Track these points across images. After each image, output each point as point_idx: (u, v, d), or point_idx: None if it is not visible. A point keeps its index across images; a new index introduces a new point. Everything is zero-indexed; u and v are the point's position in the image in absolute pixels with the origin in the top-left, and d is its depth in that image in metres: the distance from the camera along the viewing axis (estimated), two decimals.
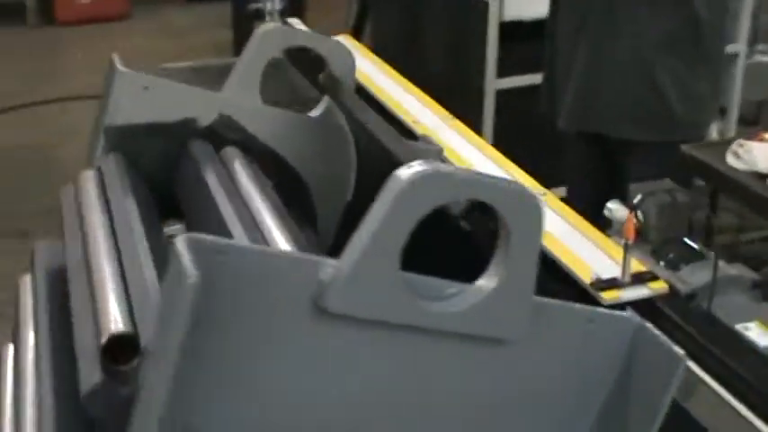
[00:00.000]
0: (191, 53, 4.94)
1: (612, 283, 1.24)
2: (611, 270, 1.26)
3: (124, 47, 5.56)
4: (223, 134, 1.03)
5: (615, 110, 2.48)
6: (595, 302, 1.24)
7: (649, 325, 0.72)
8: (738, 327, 1.20)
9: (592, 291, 1.24)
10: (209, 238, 0.59)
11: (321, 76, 1.11)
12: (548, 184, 3.21)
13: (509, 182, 0.64)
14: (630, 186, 1.34)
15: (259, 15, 3.72)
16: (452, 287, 0.66)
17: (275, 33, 1.11)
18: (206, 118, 1.05)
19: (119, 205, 0.95)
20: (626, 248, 1.22)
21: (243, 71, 1.09)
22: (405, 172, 0.60)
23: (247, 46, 1.10)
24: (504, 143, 3.35)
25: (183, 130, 1.03)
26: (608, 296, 1.22)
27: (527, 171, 3.44)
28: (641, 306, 1.23)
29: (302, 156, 1.07)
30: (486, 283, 0.65)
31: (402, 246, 0.61)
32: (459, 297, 0.65)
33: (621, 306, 1.23)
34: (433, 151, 1.11)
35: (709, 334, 1.16)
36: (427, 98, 1.89)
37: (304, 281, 0.61)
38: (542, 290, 1.38)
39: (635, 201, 1.26)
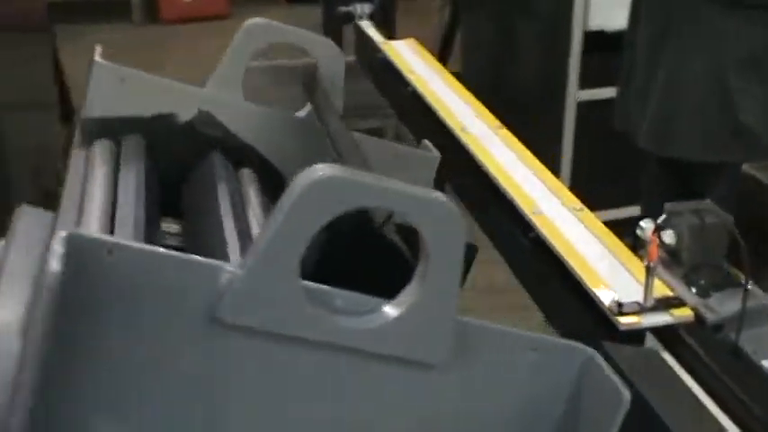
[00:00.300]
0: (285, 53, 4.95)
1: (633, 308, 1.16)
2: (636, 294, 1.19)
3: (223, 44, 5.65)
4: (203, 130, 1.00)
5: (693, 133, 2.38)
6: (614, 327, 1.17)
7: (599, 358, 0.66)
8: (765, 363, 1.11)
9: (609, 314, 1.17)
10: (95, 235, 0.56)
11: (303, 75, 1.08)
12: (626, 200, 3.11)
13: (424, 192, 0.58)
14: (665, 206, 1.26)
15: (348, 18, 3.73)
16: (367, 303, 0.61)
17: (259, 29, 1.08)
18: (185, 113, 1.03)
19: (127, 183, 0.93)
20: (648, 271, 1.15)
21: (226, 67, 1.06)
22: (303, 176, 0.56)
23: (232, 41, 1.07)
24: (585, 156, 3.28)
25: (162, 125, 1.00)
26: (625, 321, 1.15)
27: (605, 186, 3.35)
28: (663, 334, 1.16)
29: (286, 156, 1.03)
30: (402, 300, 0.60)
31: (301, 253, 0.57)
32: (373, 314, 0.60)
33: (641, 332, 1.16)
34: (429, 159, 1.05)
35: (731, 369, 1.08)
36: (480, 106, 1.84)
37: (200, 287, 0.57)
38: (563, 311, 1.33)
39: (659, 220, 1.18)
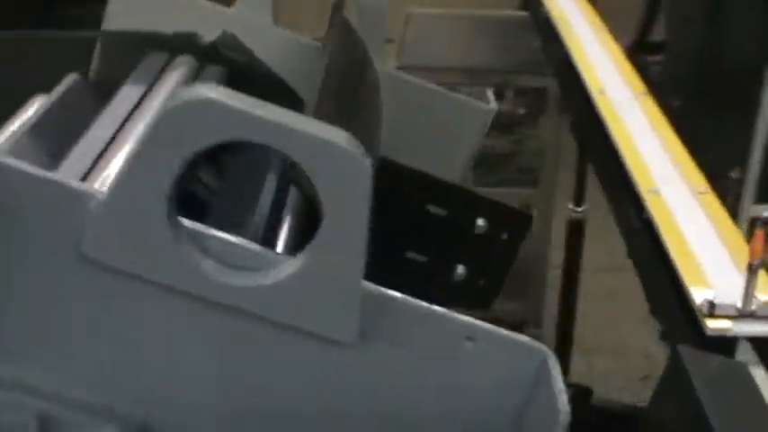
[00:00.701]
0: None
1: (727, 311, 1.00)
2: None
3: None
4: (226, 54, 0.91)
5: None
6: (700, 329, 1.01)
7: (552, 362, 0.52)
8: None
9: (698, 315, 1.01)
10: None
11: (334, 1, 0.95)
12: None
13: (320, 131, 0.47)
14: None
15: None
16: (253, 255, 0.50)
17: None
18: (209, 34, 0.94)
19: None
20: (750, 270, 0.98)
21: None
22: (175, 96, 0.46)
23: None
24: None
25: (183, 44, 0.92)
26: (714, 325, 0.99)
27: None
28: (760, 346, 0.99)
29: (313, 87, 0.92)
30: (293, 261, 0.49)
31: (169, 184, 0.47)
32: (257, 271, 0.50)
33: (732, 340, 0.99)
34: (482, 111, 0.91)
35: None
36: (628, 70, 1.67)
37: (68, 213, 0.49)
38: (660, 305, 1.16)
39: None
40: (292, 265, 0.49)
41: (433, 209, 0.90)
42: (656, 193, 1.23)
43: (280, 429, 0.53)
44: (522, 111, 2.77)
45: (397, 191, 0.90)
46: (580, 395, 0.94)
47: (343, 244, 0.48)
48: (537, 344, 0.53)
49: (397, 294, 0.51)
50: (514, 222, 0.90)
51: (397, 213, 0.91)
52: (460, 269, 0.91)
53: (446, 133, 0.91)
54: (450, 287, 0.92)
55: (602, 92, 1.55)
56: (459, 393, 0.54)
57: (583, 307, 2.52)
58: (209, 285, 0.49)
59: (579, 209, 2.01)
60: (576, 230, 2.04)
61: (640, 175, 1.28)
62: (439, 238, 0.91)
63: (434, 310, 0.52)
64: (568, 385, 0.99)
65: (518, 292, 2.72)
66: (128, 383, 0.52)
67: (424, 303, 0.52)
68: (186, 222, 0.50)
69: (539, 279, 2.56)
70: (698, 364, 0.94)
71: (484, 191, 2.63)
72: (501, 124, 2.65)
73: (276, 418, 0.53)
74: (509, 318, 2.74)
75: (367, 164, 0.47)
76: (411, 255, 0.92)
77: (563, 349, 2.14)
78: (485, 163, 2.68)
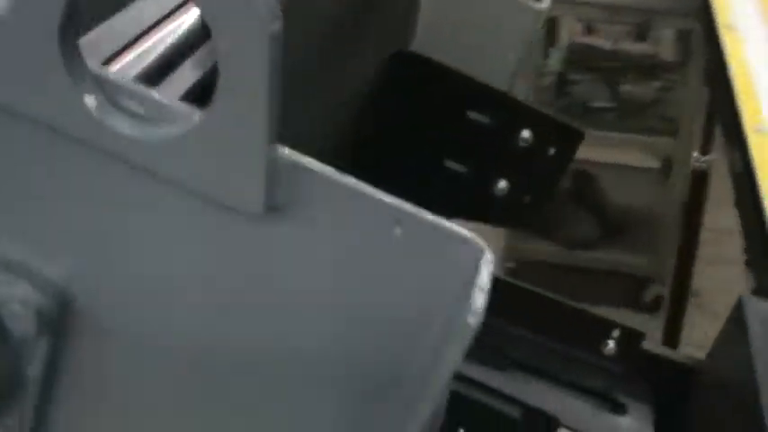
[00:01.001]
0: None
1: None
2: None
3: None
4: None
5: None
6: None
7: (486, 259, 0.45)
8: None
9: None
10: None
11: None
12: None
13: None
14: None
15: None
16: (159, 106, 0.45)
17: None
18: None
19: None
20: None
21: None
22: None
23: None
24: None
25: None
26: None
27: None
28: None
29: None
30: (196, 116, 0.44)
31: (59, 20, 0.42)
32: (160, 123, 0.44)
33: None
34: (531, 10, 0.81)
35: None
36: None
37: None
38: (751, 250, 1.05)
39: None
40: (193, 119, 0.44)
41: (473, 115, 0.82)
42: (762, 132, 1.11)
43: (179, 306, 0.48)
44: (670, 58, 2.60)
45: (436, 92, 0.83)
46: (626, 338, 0.85)
47: (244, 101, 0.42)
48: (472, 236, 0.46)
49: (316, 164, 0.45)
50: (563, 137, 0.82)
51: (435, 117, 0.84)
52: (502, 183, 0.83)
53: (491, 33, 0.83)
54: (491, 201, 0.84)
55: (729, 26, 1.42)
56: (382, 285, 0.47)
57: (714, 269, 2.37)
58: (100, 131, 0.44)
59: (704, 158, 1.86)
60: (699, 181, 1.89)
61: (749, 111, 1.16)
62: (480, 147, 0.84)
63: (358, 187, 0.45)
64: (616, 326, 0.91)
65: (645, 246, 2.59)
66: (39, 240, 0.48)
67: (348, 178, 0.45)
68: (89, 63, 0.45)
69: (667, 234, 2.41)
70: (760, 317, 0.83)
71: (620, 136, 2.51)
72: (643, 68, 2.50)
73: (174, 294, 0.48)
74: (634, 272, 2.61)
75: (270, 14, 0.40)
76: (450, 164, 0.85)
77: (678, 307, 2.01)
78: (625, 107, 2.54)
